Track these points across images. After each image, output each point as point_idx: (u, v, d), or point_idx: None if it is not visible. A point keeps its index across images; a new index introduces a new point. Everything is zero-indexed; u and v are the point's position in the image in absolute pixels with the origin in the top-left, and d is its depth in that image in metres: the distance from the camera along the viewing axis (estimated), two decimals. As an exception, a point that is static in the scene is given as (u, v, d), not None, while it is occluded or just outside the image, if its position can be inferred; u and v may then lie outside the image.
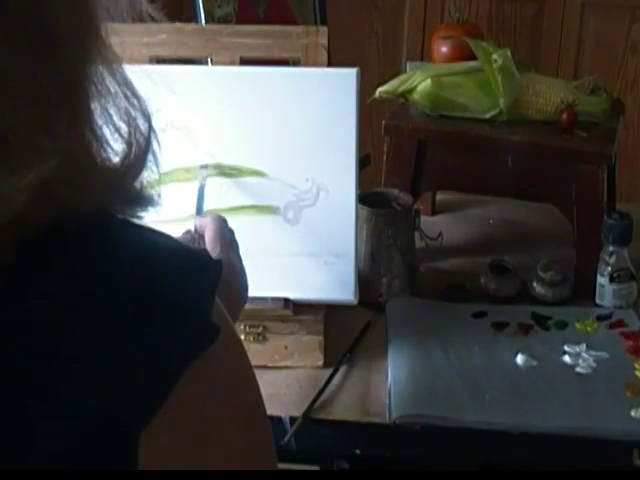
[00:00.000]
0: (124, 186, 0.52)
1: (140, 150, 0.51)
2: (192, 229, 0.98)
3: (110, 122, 0.51)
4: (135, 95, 0.51)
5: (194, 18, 1.39)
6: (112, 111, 0.51)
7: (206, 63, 1.22)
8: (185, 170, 1.12)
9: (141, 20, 0.53)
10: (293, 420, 1.04)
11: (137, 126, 0.51)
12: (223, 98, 1.14)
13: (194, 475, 0.52)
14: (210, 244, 0.93)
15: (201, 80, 1.14)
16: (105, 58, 0.50)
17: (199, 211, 1.04)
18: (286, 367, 1.14)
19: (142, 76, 0.55)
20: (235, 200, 1.13)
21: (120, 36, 0.52)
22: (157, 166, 0.53)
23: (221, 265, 0.55)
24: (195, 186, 1.09)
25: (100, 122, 0.50)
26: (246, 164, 1.13)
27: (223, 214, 1.13)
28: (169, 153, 1.22)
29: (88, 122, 0.50)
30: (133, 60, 1.10)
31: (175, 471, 0.51)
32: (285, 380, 1.12)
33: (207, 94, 1.13)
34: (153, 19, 0.54)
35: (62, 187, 0.47)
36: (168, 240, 0.54)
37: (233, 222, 1.12)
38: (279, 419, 1.03)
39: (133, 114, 0.51)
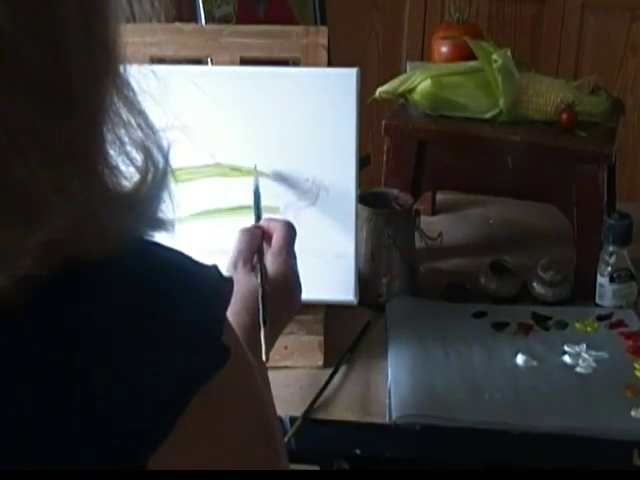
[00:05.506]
0: (138, 219, 0.50)
1: (155, 180, 0.50)
2: (264, 226, 1.00)
3: (123, 152, 0.49)
4: (149, 126, 0.50)
5: (194, 18, 1.39)
6: (126, 141, 0.49)
7: (206, 63, 1.22)
8: (185, 170, 1.12)
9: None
10: (293, 420, 1.04)
11: (151, 156, 0.50)
12: (223, 98, 1.13)
13: (199, 475, 0.52)
14: (277, 248, 0.96)
15: (201, 80, 1.14)
16: (120, 91, 0.49)
17: (259, 216, 1.04)
18: (286, 367, 1.14)
19: (143, 76, 0.55)
20: (235, 200, 1.13)
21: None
22: (170, 194, 0.51)
23: (232, 283, 0.54)
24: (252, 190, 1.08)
25: (113, 153, 0.49)
26: (246, 164, 1.13)
27: (223, 214, 1.13)
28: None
29: (102, 161, 0.48)
30: (133, 60, 1.10)
31: (180, 471, 0.51)
32: (285, 380, 1.12)
33: (207, 94, 1.13)
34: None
35: (72, 239, 0.46)
36: (180, 257, 0.53)
37: (233, 222, 1.12)
38: (279, 419, 1.03)
39: (147, 144, 0.50)
